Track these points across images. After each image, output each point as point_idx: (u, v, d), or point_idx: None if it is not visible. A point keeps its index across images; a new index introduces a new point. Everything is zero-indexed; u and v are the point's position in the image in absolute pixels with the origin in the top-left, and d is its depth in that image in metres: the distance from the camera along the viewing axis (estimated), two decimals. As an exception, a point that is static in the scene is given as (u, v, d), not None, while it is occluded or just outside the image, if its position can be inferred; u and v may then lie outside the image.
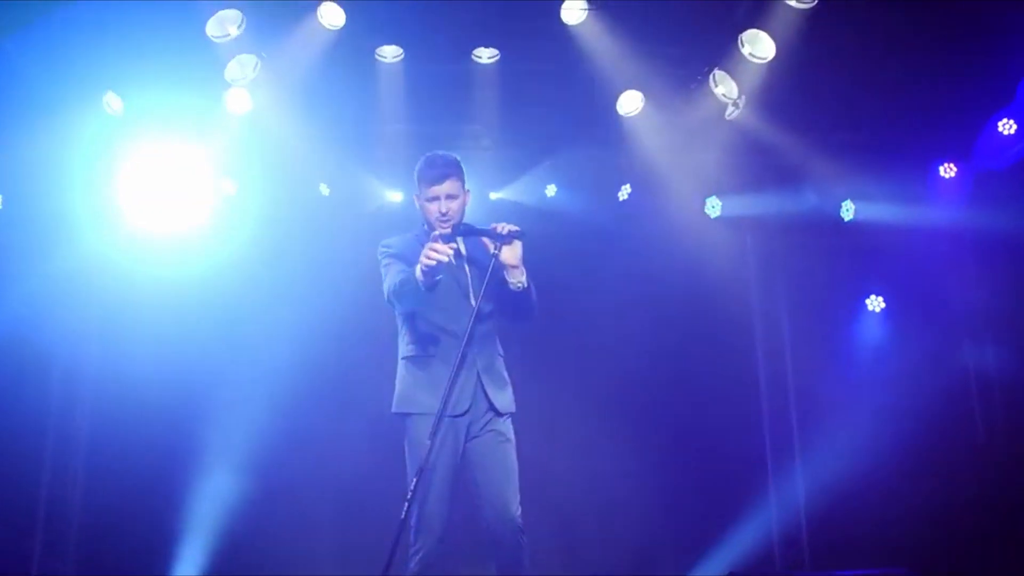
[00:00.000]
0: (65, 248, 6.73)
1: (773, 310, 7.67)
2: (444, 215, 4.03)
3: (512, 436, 4.09)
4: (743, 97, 6.73)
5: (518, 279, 3.96)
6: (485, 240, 3.98)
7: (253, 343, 6.95)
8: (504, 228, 3.90)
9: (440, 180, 4.03)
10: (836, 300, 7.63)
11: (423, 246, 4.03)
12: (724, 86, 6.51)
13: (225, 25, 5.85)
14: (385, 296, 4.01)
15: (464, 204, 4.12)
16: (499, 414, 4.07)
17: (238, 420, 6.82)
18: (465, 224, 4.02)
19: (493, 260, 3.91)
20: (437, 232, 3.99)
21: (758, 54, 6.14)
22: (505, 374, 4.19)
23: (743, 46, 6.14)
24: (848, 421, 7.14)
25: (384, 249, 4.13)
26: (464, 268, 4.11)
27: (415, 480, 3.73)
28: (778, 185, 7.42)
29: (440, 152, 4.14)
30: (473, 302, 3.99)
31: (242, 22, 5.83)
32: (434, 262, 3.61)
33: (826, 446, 7.12)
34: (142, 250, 6.90)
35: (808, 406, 7.37)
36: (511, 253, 3.92)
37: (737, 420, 7.33)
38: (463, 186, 4.12)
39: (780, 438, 7.40)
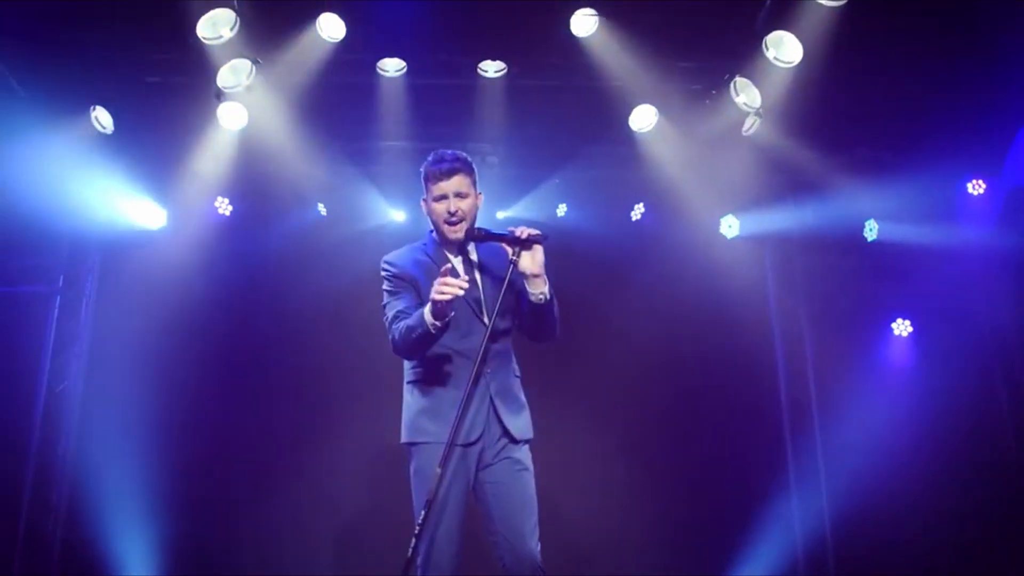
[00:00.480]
0: (51, 271, 6.63)
1: (795, 335, 7.33)
2: (453, 215, 3.65)
3: (530, 464, 3.68)
4: (762, 111, 6.43)
5: (540, 289, 3.57)
6: (503, 246, 3.61)
7: (247, 370, 6.72)
8: (524, 232, 3.53)
9: (448, 175, 3.66)
10: (861, 324, 7.28)
11: (430, 257, 3.70)
12: (746, 94, 6.18)
13: (217, 27, 5.51)
14: (390, 342, 3.60)
15: (476, 206, 3.75)
16: (515, 440, 3.67)
17: (229, 449, 6.53)
18: (478, 228, 3.64)
19: (511, 268, 3.53)
20: (451, 236, 3.64)
21: (783, 58, 5.80)
22: (522, 396, 3.78)
23: (767, 50, 5.81)
24: (875, 449, 6.77)
25: (387, 268, 3.74)
26: (476, 279, 3.72)
27: (423, 513, 3.35)
28: (798, 203, 7.15)
29: (449, 150, 3.78)
30: (486, 318, 3.62)
31: (235, 23, 5.50)
32: (448, 296, 3.26)
33: (852, 475, 6.75)
34: (132, 272, 6.69)
35: (833, 434, 7.00)
36: (531, 260, 3.53)
37: (760, 445, 7.03)
38: (474, 186, 3.75)
39: (804, 467, 7.04)
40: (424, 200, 3.77)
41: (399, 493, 3.80)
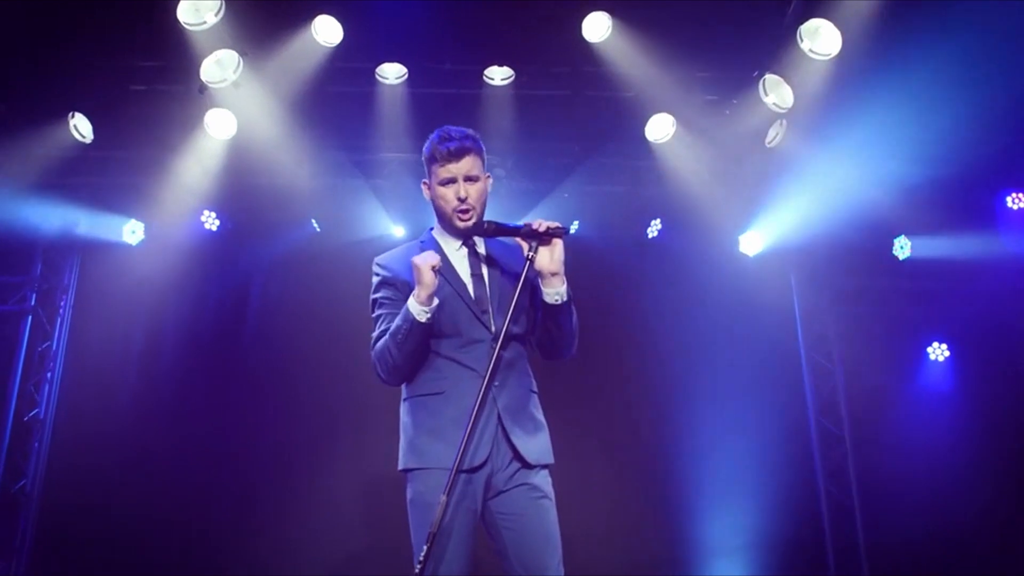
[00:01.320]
0: (22, 289, 6.31)
1: (824, 361, 6.92)
2: (463, 201, 3.18)
3: (551, 492, 3.15)
4: (785, 123, 6.09)
5: (557, 289, 3.10)
6: (518, 241, 3.13)
7: (233, 397, 6.33)
8: (542, 224, 3.07)
9: (457, 156, 3.17)
10: (895, 350, 6.88)
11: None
12: (776, 94, 5.79)
13: (201, 11, 5.09)
14: (373, 366, 3.12)
15: (486, 191, 3.28)
16: (530, 466, 3.14)
17: (212, 481, 6.11)
18: (489, 220, 3.17)
19: (527, 265, 3.05)
20: (459, 226, 3.17)
21: (820, 50, 5.39)
22: (539, 415, 3.25)
23: (802, 41, 5.41)
24: (913, 482, 6.41)
25: (377, 272, 3.24)
26: (483, 279, 3.23)
27: (424, 549, 2.82)
28: (826, 220, 6.66)
29: (455, 127, 3.31)
30: (492, 324, 3.13)
31: (220, 8, 5.10)
32: (434, 273, 2.92)
33: (889, 510, 6.43)
34: (110, 291, 6.35)
35: (867, 466, 6.63)
36: (550, 256, 3.07)
37: (788, 478, 6.57)
38: (484, 169, 3.28)
39: (837, 501, 6.64)
40: (426, 184, 3.29)
41: (398, 527, 3.28)
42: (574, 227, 6.79)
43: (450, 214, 3.19)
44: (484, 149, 3.27)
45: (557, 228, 3.09)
